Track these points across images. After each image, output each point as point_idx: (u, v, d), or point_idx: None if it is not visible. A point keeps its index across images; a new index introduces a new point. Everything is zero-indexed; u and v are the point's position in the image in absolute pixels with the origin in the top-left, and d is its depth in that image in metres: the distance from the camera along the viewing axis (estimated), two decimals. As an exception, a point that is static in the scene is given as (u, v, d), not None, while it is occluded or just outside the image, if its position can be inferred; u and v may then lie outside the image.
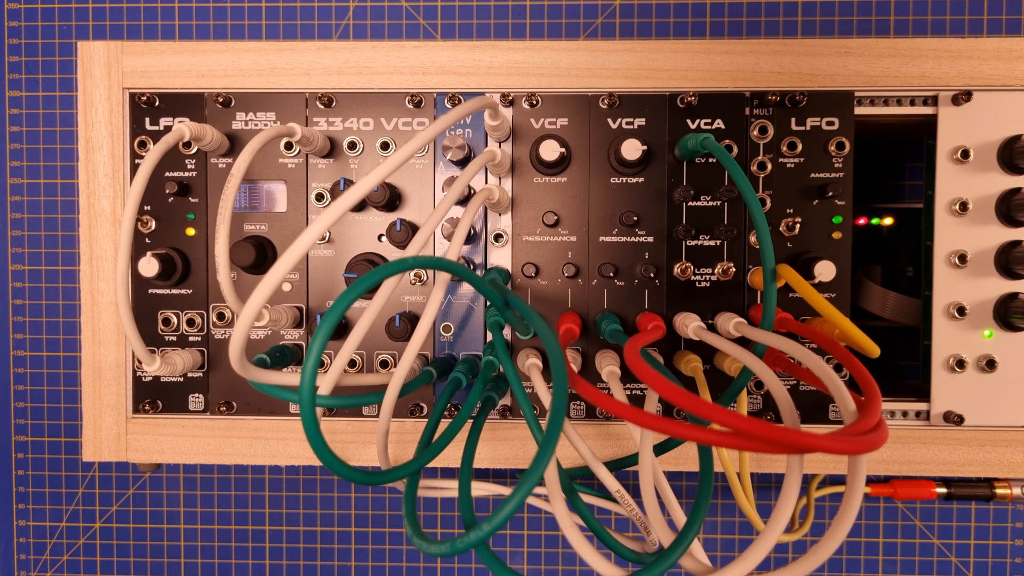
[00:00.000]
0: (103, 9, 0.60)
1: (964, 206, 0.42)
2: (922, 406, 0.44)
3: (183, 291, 0.44)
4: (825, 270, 0.39)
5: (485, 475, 0.60)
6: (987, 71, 0.41)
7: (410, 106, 0.42)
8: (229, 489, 0.62)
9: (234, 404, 0.44)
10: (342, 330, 0.43)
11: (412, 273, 0.43)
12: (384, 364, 0.43)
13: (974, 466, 0.43)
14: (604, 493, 0.42)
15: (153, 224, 0.43)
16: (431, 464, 0.38)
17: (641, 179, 0.42)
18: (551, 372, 0.28)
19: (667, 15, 0.58)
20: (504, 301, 0.36)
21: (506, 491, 0.46)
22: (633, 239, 0.42)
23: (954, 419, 0.43)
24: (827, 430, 0.42)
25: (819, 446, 0.24)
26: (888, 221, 0.55)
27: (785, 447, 0.24)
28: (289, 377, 0.35)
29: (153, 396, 0.44)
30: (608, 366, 0.38)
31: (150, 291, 0.44)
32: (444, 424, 0.40)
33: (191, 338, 0.44)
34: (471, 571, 0.61)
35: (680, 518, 0.32)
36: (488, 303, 0.42)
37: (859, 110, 0.42)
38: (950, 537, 0.59)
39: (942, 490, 0.55)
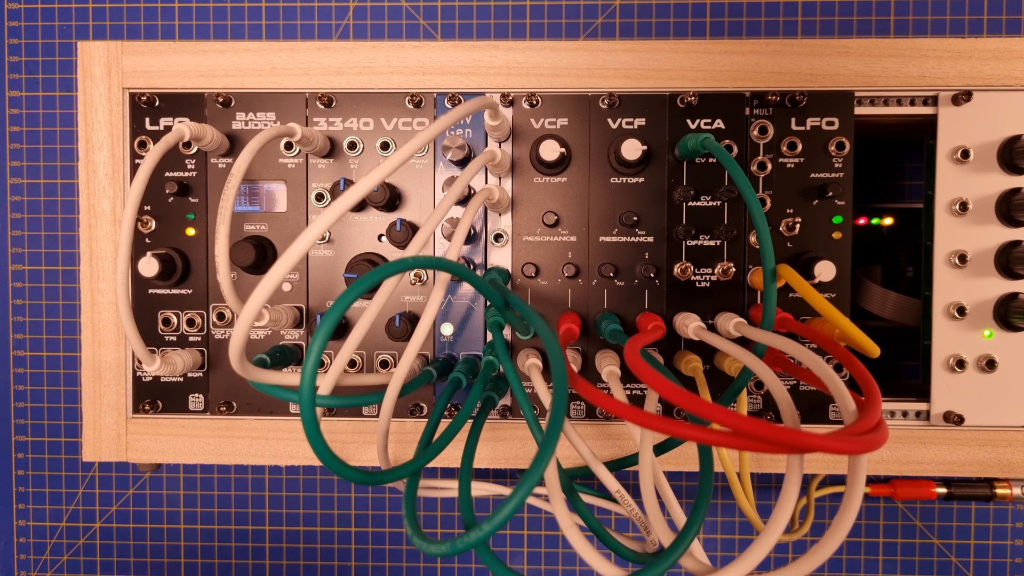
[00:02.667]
0: (103, 9, 0.60)
1: (964, 206, 0.42)
2: (922, 406, 0.44)
3: (183, 291, 0.44)
4: (825, 270, 0.39)
5: (485, 475, 0.60)
6: (987, 71, 0.41)
7: (410, 106, 0.42)
8: (229, 489, 0.62)
9: (234, 404, 0.44)
10: (342, 330, 0.43)
11: (412, 273, 0.43)
12: (384, 364, 0.43)
13: (974, 466, 0.43)
14: (604, 493, 0.42)
15: (153, 224, 0.43)
16: (431, 464, 0.38)
17: (641, 179, 0.42)
18: (551, 372, 0.28)
19: (667, 15, 0.58)
20: (504, 301, 0.36)
21: (506, 491, 0.46)
22: (633, 239, 0.42)
23: (954, 419, 0.43)
24: (827, 430, 0.42)
25: (819, 446, 0.24)
26: (888, 221, 0.55)
27: (785, 447, 0.24)
28: (289, 377, 0.35)
29: (153, 396, 0.44)
30: (608, 366, 0.38)
31: (150, 291, 0.44)
32: (444, 424, 0.40)
33: (191, 338, 0.44)
34: (471, 571, 0.61)
35: (680, 518, 0.32)
36: (488, 303, 0.42)
37: (859, 110, 0.42)
38: (950, 537, 0.59)
39: (942, 490, 0.55)
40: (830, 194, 0.41)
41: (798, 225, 0.41)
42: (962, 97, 0.41)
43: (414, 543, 0.29)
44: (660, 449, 0.38)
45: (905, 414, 0.44)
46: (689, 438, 0.24)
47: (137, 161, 0.43)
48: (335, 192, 0.43)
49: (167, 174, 0.43)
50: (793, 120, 0.42)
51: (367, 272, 0.28)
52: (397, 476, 0.33)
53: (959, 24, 0.58)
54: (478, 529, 0.25)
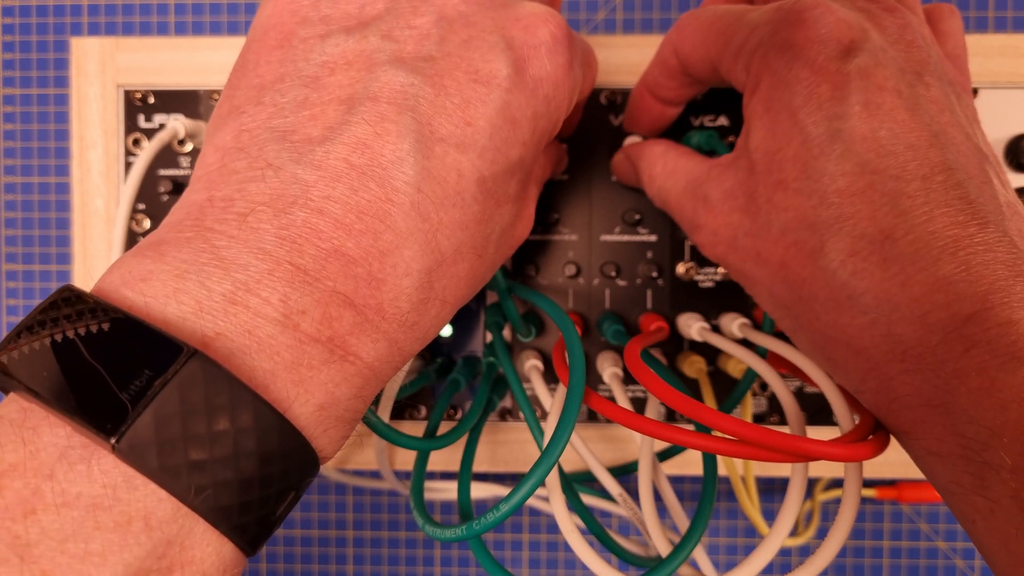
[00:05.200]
0: (98, 6, 0.59)
1: (971, 205, 0.41)
2: (928, 408, 0.43)
3: (178, 291, 0.43)
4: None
5: (482, 480, 0.60)
6: (993, 68, 0.41)
7: (408, 103, 0.42)
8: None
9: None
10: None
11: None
12: (382, 365, 0.43)
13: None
14: (607, 494, 0.41)
15: (148, 223, 0.43)
16: (428, 468, 0.38)
17: (643, 177, 0.41)
18: (567, 347, 0.28)
19: (669, 10, 0.58)
20: (507, 286, 0.36)
21: (506, 491, 0.45)
22: (635, 238, 0.41)
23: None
24: (834, 432, 0.41)
25: (823, 453, 0.24)
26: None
27: (789, 455, 0.24)
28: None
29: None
30: (610, 368, 0.38)
31: (145, 291, 0.43)
32: (442, 429, 0.39)
33: (186, 339, 0.43)
34: (470, 575, 0.60)
35: (683, 522, 0.32)
36: (488, 302, 0.42)
37: (864, 107, 0.42)
38: (955, 540, 0.58)
39: (947, 492, 0.54)
40: (835, 193, 0.40)
41: (802, 224, 0.40)
42: (969, 94, 0.41)
43: (426, 531, 0.29)
44: (665, 454, 0.37)
45: (910, 416, 0.43)
46: (690, 446, 0.24)
47: (131, 159, 0.42)
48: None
49: (161, 172, 0.42)
50: (797, 117, 0.41)
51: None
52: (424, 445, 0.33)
53: (964, 20, 0.58)
54: (495, 510, 0.25)
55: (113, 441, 0.17)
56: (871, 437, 0.26)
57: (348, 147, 0.21)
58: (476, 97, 0.23)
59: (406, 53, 0.23)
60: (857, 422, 0.27)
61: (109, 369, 0.18)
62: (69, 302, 0.19)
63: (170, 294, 0.19)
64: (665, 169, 0.33)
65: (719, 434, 0.25)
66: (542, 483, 0.25)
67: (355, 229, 0.20)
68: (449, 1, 0.24)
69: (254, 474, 0.18)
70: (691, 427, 0.29)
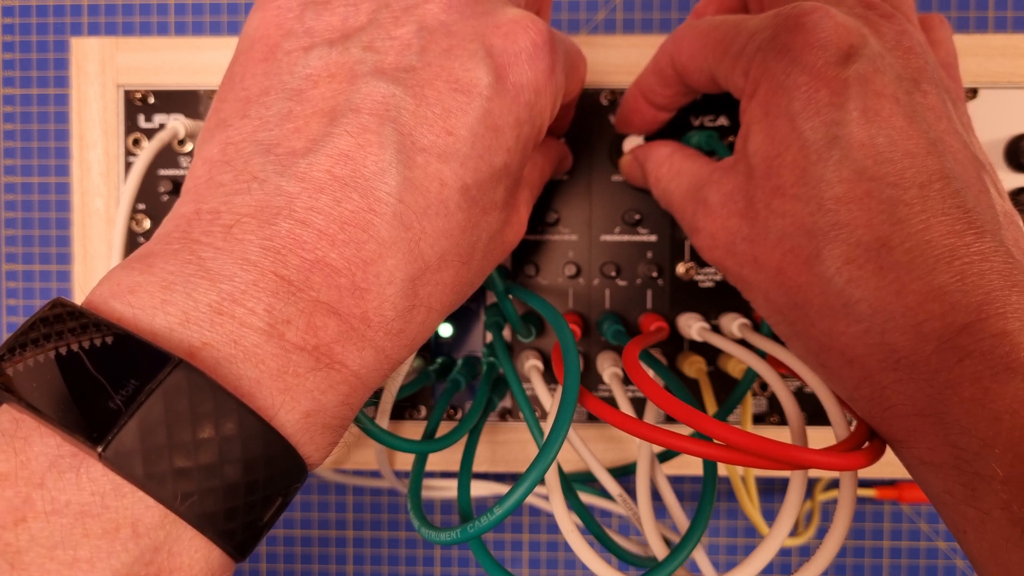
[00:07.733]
0: (98, 6, 0.59)
1: (971, 205, 0.41)
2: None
3: (178, 291, 0.43)
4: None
5: (483, 478, 0.60)
6: (993, 68, 0.41)
7: (408, 103, 0.42)
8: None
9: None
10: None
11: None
12: (382, 365, 0.43)
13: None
14: (607, 493, 0.41)
15: (148, 223, 0.43)
16: (428, 468, 0.38)
17: (643, 177, 0.41)
18: (562, 350, 0.28)
19: (669, 10, 0.58)
20: (505, 288, 0.36)
21: (506, 489, 0.45)
22: (635, 238, 0.41)
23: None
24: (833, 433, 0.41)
25: (818, 462, 0.24)
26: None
27: (784, 463, 0.24)
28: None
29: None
30: (610, 368, 0.38)
31: (145, 291, 0.43)
32: (442, 429, 0.39)
33: (186, 339, 0.43)
34: (470, 575, 0.60)
35: (683, 523, 0.32)
36: (487, 302, 0.42)
37: (864, 107, 0.42)
38: (955, 540, 0.58)
39: (947, 492, 0.54)
40: (835, 193, 0.40)
41: (802, 224, 0.40)
42: (968, 94, 0.41)
43: (421, 534, 0.29)
44: (665, 455, 0.37)
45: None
46: (685, 451, 0.24)
47: (131, 159, 0.42)
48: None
49: (161, 172, 0.42)
50: (797, 117, 0.41)
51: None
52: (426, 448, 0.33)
53: (964, 20, 0.58)
54: (489, 513, 0.25)
55: (99, 450, 0.17)
56: (866, 445, 0.26)
57: (331, 159, 0.21)
58: (457, 106, 0.23)
59: (387, 64, 0.23)
60: (853, 430, 0.27)
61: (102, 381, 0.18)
62: (74, 316, 0.19)
63: (157, 305, 0.19)
64: (670, 171, 0.34)
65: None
66: (538, 484, 0.25)
67: (338, 239, 0.21)
68: (430, 11, 0.24)
69: (239, 480, 0.19)
70: (690, 430, 0.29)
